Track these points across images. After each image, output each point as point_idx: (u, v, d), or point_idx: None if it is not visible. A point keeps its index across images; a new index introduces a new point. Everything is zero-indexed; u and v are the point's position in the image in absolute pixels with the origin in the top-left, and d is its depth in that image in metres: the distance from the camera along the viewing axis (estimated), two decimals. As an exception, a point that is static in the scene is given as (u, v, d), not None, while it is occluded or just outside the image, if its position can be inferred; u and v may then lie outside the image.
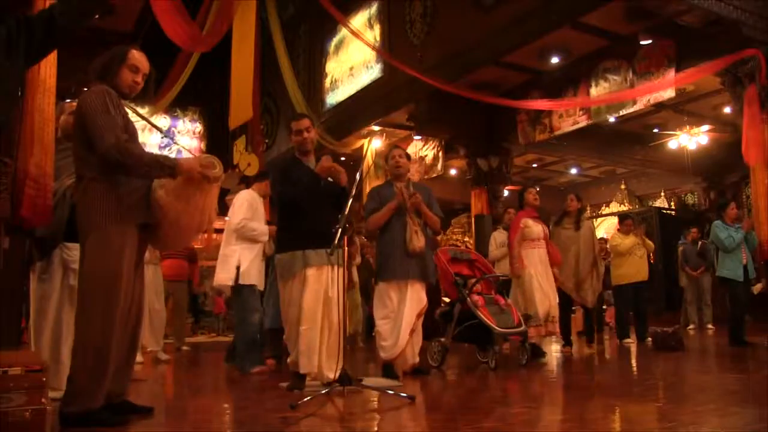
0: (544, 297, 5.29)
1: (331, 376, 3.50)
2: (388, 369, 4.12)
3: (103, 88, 2.71)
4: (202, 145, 13.90)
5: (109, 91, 2.70)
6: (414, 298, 4.17)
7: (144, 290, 2.89)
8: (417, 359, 4.26)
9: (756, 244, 6.06)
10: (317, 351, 3.60)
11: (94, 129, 2.59)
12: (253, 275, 4.89)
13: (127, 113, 2.79)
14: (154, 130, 11.28)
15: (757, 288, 9.39)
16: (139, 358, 5.23)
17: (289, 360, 3.75)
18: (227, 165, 9.16)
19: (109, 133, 2.58)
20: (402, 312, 4.12)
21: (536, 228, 5.49)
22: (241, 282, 4.82)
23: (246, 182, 5.60)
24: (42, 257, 3.41)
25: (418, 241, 4.14)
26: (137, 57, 2.81)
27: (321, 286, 3.63)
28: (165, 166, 2.65)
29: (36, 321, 3.38)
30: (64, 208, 3.30)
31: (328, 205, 3.67)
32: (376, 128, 10.87)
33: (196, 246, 9.84)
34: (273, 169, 4.01)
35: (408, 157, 4.46)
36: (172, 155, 8.17)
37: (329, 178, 3.68)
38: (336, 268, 3.67)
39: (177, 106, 13.31)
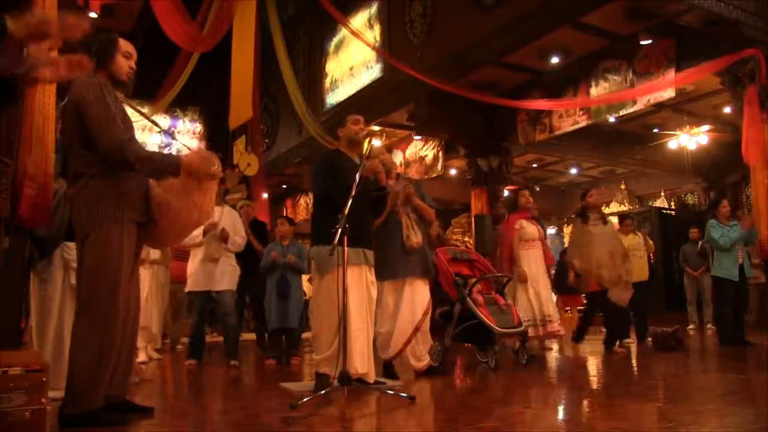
0: (536, 298, 5.31)
1: (372, 376, 3.56)
2: (388, 369, 4.12)
3: (98, 80, 2.61)
4: (202, 146, 13.91)
5: (105, 83, 2.62)
6: (416, 295, 4.13)
7: (139, 289, 2.88)
8: (428, 359, 4.21)
9: (756, 239, 6.04)
10: (369, 351, 3.58)
11: (95, 124, 2.52)
12: (191, 282, 5.32)
13: (122, 105, 2.72)
14: (155, 129, 11.33)
15: (757, 288, 9.38)
16: (143, 357, 5.29)
17: (316, 358, 3.61)
18: (227, 165, 9.19)
19: (112, 129, 2.52)
20: (400, 310, 4.09)
21: (530, 229, 5.51)
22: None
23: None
24: (42, 257, 3.41)
25: (416, 237, 4.13)
26: (126, 43, 2.76)
27: (363, 285, 3.59)
28: (169, 164, 2.62)
29: (39, 321, 3.38)
30: (66, 209, 3.30)
31: (367, 203, 3.61)
32: (376, 128, 10.87)
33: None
34: (317, 162, 3.88)
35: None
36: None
37: (371, 177, 3.58)
38: (371, 268, 3.67)
39: (177, 106, 13.32)
